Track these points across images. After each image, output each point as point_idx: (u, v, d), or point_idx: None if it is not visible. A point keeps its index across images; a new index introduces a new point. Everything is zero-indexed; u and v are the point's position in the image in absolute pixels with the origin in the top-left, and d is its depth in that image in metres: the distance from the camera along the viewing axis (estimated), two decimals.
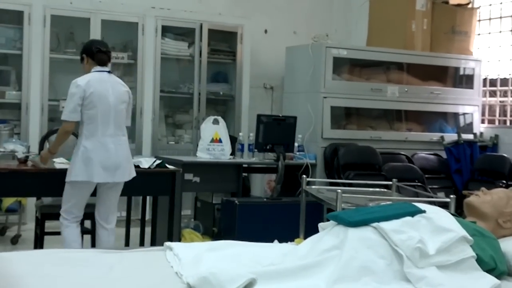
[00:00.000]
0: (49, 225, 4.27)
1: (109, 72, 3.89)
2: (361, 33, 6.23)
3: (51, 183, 3.81)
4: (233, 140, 5.16)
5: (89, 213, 4.30)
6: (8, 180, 3.65)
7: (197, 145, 5.11)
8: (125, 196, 4.56)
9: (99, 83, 3.76)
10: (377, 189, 3.33)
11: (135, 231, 4.62)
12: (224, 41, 6.37)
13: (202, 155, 4.93)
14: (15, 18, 5.51)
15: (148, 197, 4.68)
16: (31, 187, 3.80)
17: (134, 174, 3.84)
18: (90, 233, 4.30)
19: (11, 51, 5.52)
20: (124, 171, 3.76)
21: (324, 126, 5.42)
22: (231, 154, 5.00)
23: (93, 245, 4.24)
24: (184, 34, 6.16)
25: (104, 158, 3.70)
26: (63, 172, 3.86)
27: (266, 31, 6.79)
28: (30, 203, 5.00)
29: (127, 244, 4.57)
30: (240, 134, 5.33)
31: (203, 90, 6.14)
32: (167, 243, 2.34)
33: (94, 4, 5.72)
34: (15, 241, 4.97)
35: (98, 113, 3.73)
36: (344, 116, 5.90)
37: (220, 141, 4.97)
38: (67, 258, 2.18)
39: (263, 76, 6.52)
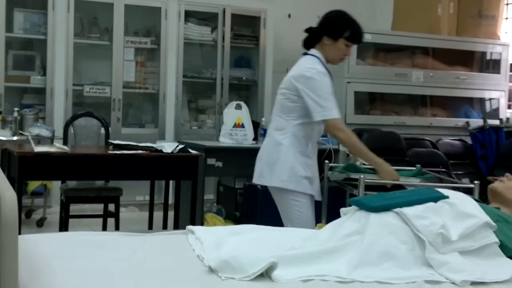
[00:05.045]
0: (74, 208, 4.34)
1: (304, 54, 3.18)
2: (386, 17, 6.16)
3: (76, 167, 3.84)
4: (256, 125, 5.16)
5: (113, 196, 4.36)
6: (34, 163, 3.70)
7: (220, 130, 5.12)
8: (148, 180, 4.61)
9: None
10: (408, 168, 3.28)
11: (158, 215, 4.67)
12: (247, 26, 6.35)
13: (225, 140, 4.94)
14: (39, 3, 5.56)
15: (171, 182, 4.72)
16: (56, 171, 3.83)
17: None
18: (114, 216, 4.36)
19: (36, 36, 5.58)
20: None
21: (347, 112, 5.39)
22: (253, 139, 5.00)
23: (117, 228, 4.30)
24: (207, 18, 6.16)
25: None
26: (87, 156, 3.91)
27: (289, 16, 6.74)
28: (55, 186, 5.08)
29: (150, 227, 4.62)
30: (263, 119, 5.33)
31: (226, 75, 6.14)
32: (189, 227, 2.35)
33: None
34: (40, 224, 5.06)
35: None
36: (368, 101, 5.85)
37: (242, 126, 4.97)
38: (91, 240, 2.21)
39: (286, 61, 6.44)
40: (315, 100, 2.93)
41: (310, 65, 3.01)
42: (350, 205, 2.27)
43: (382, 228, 2.03)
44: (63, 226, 4.22)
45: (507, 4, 6.18)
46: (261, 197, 4.51)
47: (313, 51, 3.08)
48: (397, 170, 3.12)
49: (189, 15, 6.03)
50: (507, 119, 5.99)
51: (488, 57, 6.14)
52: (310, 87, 2.94)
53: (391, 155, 5.12)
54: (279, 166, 3.02)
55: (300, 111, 3.00)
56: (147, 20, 6.06)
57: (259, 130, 5.11)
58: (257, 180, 3.16)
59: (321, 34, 3.06)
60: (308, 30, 3.14)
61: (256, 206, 4.56)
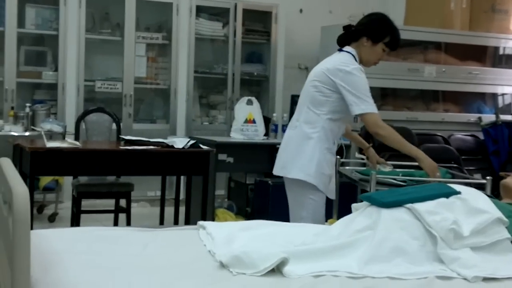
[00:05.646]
0: (86, 203, 4.36)
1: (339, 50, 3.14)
2: (399, 12, 6.12)
3: (87, 162, 3.86)
4: (267, 120, 5.16)
5: (124, 192, 4.38)
6: (45, 159, 3.72)
7: (231, 126, 5.12)
8: (159, 176, 4.62)
9: None
10: (412, 170, 3.28)
11: (169, 211, 4.68)
12: (258, 21, 6.33)
13: (236, 136, 4.94)
14: None
15: (182, 177, 4.73)
16: (68, 166, 3.85)
17: None
18: (125, 211, 4.38)
19: (47, 32, 5.59)
20: None
21: None
22: (264, 135, 5.00)
23: (128, 223, 4.32)
24: (219, 14, 6.15)
25: None
26: (98, 152, 3.93)
27: (301, 11, 6.72)
28: (67, 181, 5.10)
29: (161, 223, 4.63)
30: (274, 114, 5.32)
31: (237, 70, 6.14)
32: (201, 222, 2.36)
33: None
34: (52, 219, 5.09)
35: None
36: (380, 96, 5.82)
37: (253, 121, 4.97)
38: (102, 236, 2.22)
39: (297, 56, 6.47)
40: (355, 94, 2.91)
41: (346, 61, 2.98)
42: (362, 201, 2.27)
43: (394, 224, 2.03)
44: (75, 222, 4.24)
45: None
46: (272, 192, 4.51)
47: (348, 48, 3.05)
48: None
49: (201, 11, 6.02)
50: None
51: (501, 52, 6.09)
52: (349, 81, 2.92)
53: None
54: (306, 160, 2.99)
55: (332, 106, 2.98)
56: (159, 16, 6.06)
57: (270, 126, 5.11)
58: (278, 171, 3.12)
59: (361, 35, 3.03)
60: (347, 27, 3.11)
61: (267, 202, 4.56)
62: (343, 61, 2.98)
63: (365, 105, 2.91)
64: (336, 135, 3.07)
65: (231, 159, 4.77)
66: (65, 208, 5.12)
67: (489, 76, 5.92)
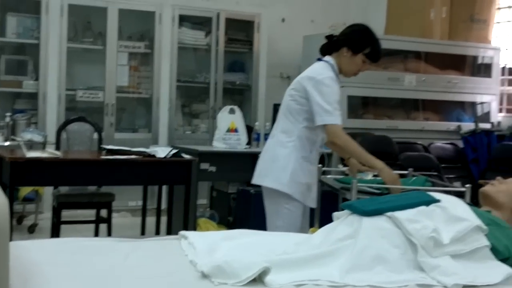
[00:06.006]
0: (66, 214, 4.33)
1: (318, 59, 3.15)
2: (379, 22, 6.18)
3: (68, 172, 3.83)
4: (250, 129, 5.17)
5: (105, 202, 4.35)
6: (25, 169, 3.68)
7: (213, 135, 5.12)
8: (141, 186, 4.60)
9: None
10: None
11: (151, 221, 4.66)
12: (241, 30, 6.36)
13: (218, 145, 4.94)
14: (33, 7, 5.55)
15: (164, 187, 4.71)
16: (48, 177, 3.82)
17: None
18: (106, 221, 4.35)
19: (29, 41, 5.57)
20: None
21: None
22: (247, 144, 5.00)
23: (109, 234, 4.29)
24: (201, 23, 6.17)
25: None
26: (79, 161, 3.90)
27: (283, 20, 6.76)
28: (47, 192, 5.06)
29: (143, 233, 4.61)
30: (257, 123, 5.33)
31: (219, 79, 6.14)
32: (182, 232, 2.35)
33: None
34: (32, 230, 5.04)
35: None
36: (361, 105, 5.87)
37: (236, 130, 4.97)
38: (83, 246, 2.20)
39: (280, 65, 6.50)
40: (320, 104, 2.92)
41: (322, 70, 3.00)
42: (343, 209, 2.28)
43: (375, 232, 2.04)
44: (55, 232, 4.20)
45: (498, 8, 6.22)
46: (254, 201, 4.51)
47: (328, 58, 3.07)
48: (402, 178, 3.12)
49: (183, 20, 6.03)
50: (498, 122, 6.02)
51: (479, 61, 6.18)
52: (318, 90, 2.93)
53: (383, 159, 5.07)
54: (280, 169, 3.00)
55: (307, 114, 2.99)
56: (141, 25, 6.06)
57: (252, 135, 5.11)
58: (255, 180, 3.14)
59: (342, 45, 3.04)
60: (329, 37, 3.12)
61: (249, 211, 4.56)
62: (317, 70, 3.01)
63: (328, 116, 2.91)
64: (313, 143, 3.08)
65: (213, 168, 4.76)
66: (45, 218, 5.06)
67: (468, 85, 6.00)
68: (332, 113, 2.92)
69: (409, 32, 5.84)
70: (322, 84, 2.94)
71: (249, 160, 4.92)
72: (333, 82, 2.97)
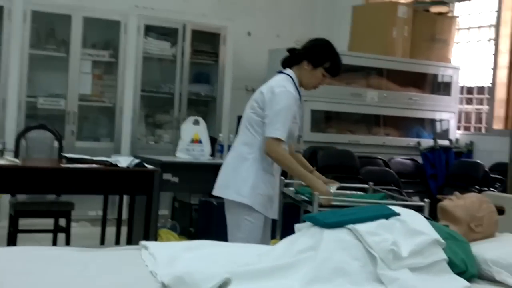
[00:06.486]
0: (23, 222, 4.23)
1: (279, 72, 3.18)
2: (343, 38, 6.28)
3: (26, 180, 3.76)
4: (213, 141, 5.16)
5: (64, 211, 4.28)
6: None
7: (177, 145, 5.10)
8: (101, 195, 4.54)
9: None
10: (354, 192, 3.35)
11: (111, 231, 4.59)
12: (207, 42, 6.37)
13: (182, 155, 4.92)
14: None
15: (125, 196, 4.66)
16: (6, 184, 3.75)
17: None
18: (64, 231, 4.28)
19: None
20: None
21: (304, 130, 5.45)
22: (210, 155, 5.00)
23: (68, 243, 4.22)
24: (167, 34, 6.15)
25: None
26: (38, 170, 3.83)
27: (249, 34, 6.81)
28: (4, 199, 4.94)
29: (102, 243, 4.54)
30: (220, 135, 5.33)
31: (184, 90, 6.13)
32: (143, 242, 2.33)
33: (76, 1, 5.69)
34: None
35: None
36: (324, 119, 5.94)
37: (200, 141, 4.96)
38: (41, 255, 2.16)
39: (245, 78, 6.53)
40: (270, 116, 2.95)
41: (282, 82, 3.03)
42: (305, 221, 2.29)
43: (335, 244, 2.06)
44: (11, 241, 4.11)
45: (458, 29, 6.38)
46: (216, 213, 4.49)
47: (288, 71, 3.10)
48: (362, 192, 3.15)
49: (149, 30, 6.01)
50: (457, 140, 6.16)
51: (439, 80, 6.32)
52: (273, 102, 2.95)
53: (345, 172, 5.21)
54: (241, 181, 3.01)
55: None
56: (106, 33, 6.01)
57: (216, 146, 5.11)
58: (216, 191, 3.13)
59: (302, 58, 3.07)
60: (291, 50, 3.15)
61: (211, 222, 4.54)
62: (278, 82, 3.04)
63: (273, 129, 2.92)
64: None
65: (176, 179, 4.73)
66: (1, 227, 4.93)
67: (428, 102, 6.12)
68: (275, 126, 2.93)
69: (372, 49, 5.94)
70: (277, 96, 2.96)
71: (212, 171, 4.88)
72: (289, 96, 2.99)
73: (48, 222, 4.49)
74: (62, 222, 4.35)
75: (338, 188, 3.26)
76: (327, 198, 2.89)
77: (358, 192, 3.40)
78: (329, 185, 3.26)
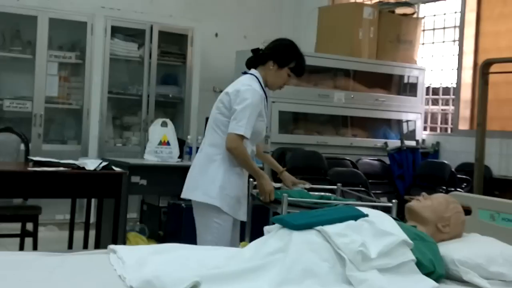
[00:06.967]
0: None
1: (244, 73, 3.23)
2: (310, 39, 6.32)
3: None
4: (182, 143, 5.14)
5: (31, 215, 4.22)
6: None
7: (145, 148, 5.07)
8: (69, 199, 4.49)
9: None
10: (322, 193, 3.38)
11: (79, 235, 4.54)
12: (174, 44, 6.35)
13: (150, 158, 4.89)
14: None
15: (93, 200, 4.61)
16: None
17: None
18: (32, 235, 4.21)
19: None
20: None
21: (272, 131, 5.47)
22: (179, 157, 4.98)
23: (35, 248, 4.16)
24: (134, 35, 6.11)
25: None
26: (4, 173, 3.77)
27: (216, 35, 6.80)
28: None
29: (70, 247, 4.49)
30: (189, 137, 5.31)
31: (152, 92, 6.10)
32: (111, 246, 2.31)
33: (42, 2, 5.60)
34: None
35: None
36: (292, 120, 5.96)
37: (168, 144, 4.94)
38: (6, 260, 2.13)
39: (212, 79, 6.52)
40: (236, 113, 2.96)
41: (247, 81, 3.05)
42: (274, 223, 2.30)
43: (304, 246, 2.07)
44: None
45: (423, 30, 6.48)
46: (185, 215, 4.48)
47: (253, 71, 3.13)
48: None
49: (116, 31, 5.96)
50: (423, 140, 6.25)
51: (405, 80, 6.40)
52: (239, 100, 2.97)
53: (313, 174, 5.25)
54: (209, 182, 3.01)
55: None
56: (72, 35, 5.94)
57: (184, 148, 5.09)
58: (185, 194, 3.13)
59: (268, 58, 3.09)
60: (255, 51, 3.16)
61: (180, 225, 4.53)
62: (243, 81, 3.07)
63: (237, 125, 2.94)
64: None
65: (144, 182, 4.70)
66: None
67: (394, 103, 6.20)
68: (239, 122, 2.95)
69: (338, 51, 5.99)
70: (243, 94, 2.99)
71: (181, 173, 4.85)
72: (255, 94, 3.01)
73: (15, 227, 4.41)
74: (29, 226, 4.28)
75: (307, 189, 3.30)
76: (265, 195, 3.02)
77: (327, 194, 3.44)
78: (299, 185, 3.29)
